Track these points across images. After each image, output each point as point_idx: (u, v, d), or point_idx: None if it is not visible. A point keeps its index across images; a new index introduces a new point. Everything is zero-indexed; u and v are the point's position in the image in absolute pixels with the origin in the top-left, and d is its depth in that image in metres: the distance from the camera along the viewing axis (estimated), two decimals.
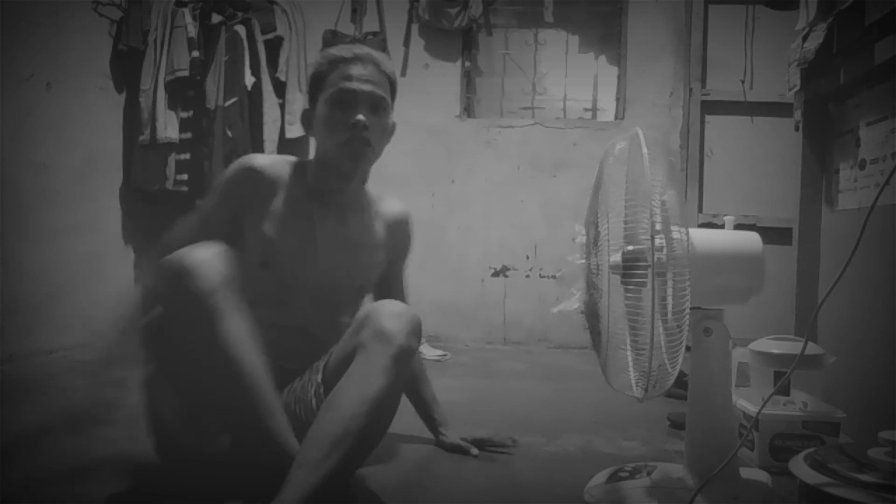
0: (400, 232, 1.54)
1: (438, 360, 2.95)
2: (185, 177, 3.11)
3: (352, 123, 1.35)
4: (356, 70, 1.38)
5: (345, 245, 1.44)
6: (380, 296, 1.52)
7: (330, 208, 1.45)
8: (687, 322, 1.05)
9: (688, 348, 1.09)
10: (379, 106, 1.39)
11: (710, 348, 1.23)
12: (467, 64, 3.56)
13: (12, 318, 2.56)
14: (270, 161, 1.44)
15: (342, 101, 1.37)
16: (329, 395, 1.17)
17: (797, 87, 2.07)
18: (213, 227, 1.39)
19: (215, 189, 1.46)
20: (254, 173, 1.40)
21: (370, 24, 3.49)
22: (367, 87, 1.37)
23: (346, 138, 1.36)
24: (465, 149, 3.50)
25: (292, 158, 1.50)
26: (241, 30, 3.19)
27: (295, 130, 3.34)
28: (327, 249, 1.43)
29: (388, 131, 1.44)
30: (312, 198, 1.44)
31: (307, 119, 1.47)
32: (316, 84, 1.42)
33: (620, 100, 3.51)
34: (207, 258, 1.17)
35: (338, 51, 1.42)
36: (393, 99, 1.45)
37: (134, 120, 3.18)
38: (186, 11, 3.13)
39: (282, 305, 1.41)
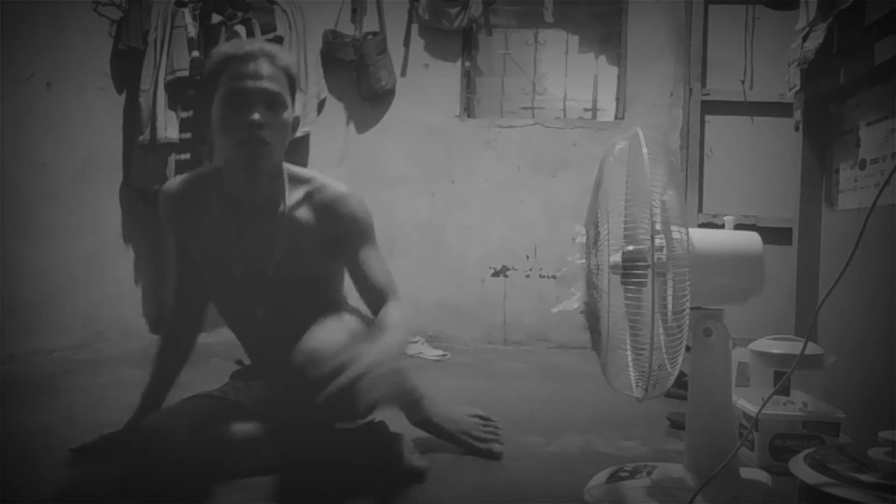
0: (333, 214, 1.45)
1: (438, 360, 2.95)
2: None
3: (247, 123, 1.33)
4: (249, 67, 1.35)
5: (266, 241, 1.44)
6: (356, 283, 1.49)
7: (244, 206, 1.45)
8: (687, 322, 1.05)
9: (688, 348, 1.09)
10: (275, 102, 1.37)
11: (710, 348, 1.23)
12: (467, 64, 3.56)
13: (12, 318, 2.56)
14: (180, 181, 1.53)
15: (236, 101, 1.34)
16: None
17: (797, 87, 2.07)
18: (177, 260, 1.56)
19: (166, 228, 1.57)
20: (166, 198, 1.53)
21: (370, 24, 3.49)
22: (260, 85, 1.35)
23: (243, 138, 1.35)
24: (465, 149, 3.50)
25: (206, 168, 1.57)
26: (241, 30, 3.19)
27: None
28: (252, 249, 1.45)
29: (288, 127, 1.41)
30: (227, 201, 1.46)
31: (207, 118, 1.44)
32: (210, 83, 1.39)
33: (620, 100, 3.51)
34: None
35: (229, 48, 1.40)
36: (293, 92, 1.42)
37: (134, 120, 3.18)
38: (186, 11, 3.13)
39: (241, 308, 1.51)
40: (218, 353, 2.93)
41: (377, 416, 1.38)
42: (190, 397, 1.47)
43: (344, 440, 1.40)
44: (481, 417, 1.62)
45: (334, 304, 1.50)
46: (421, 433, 1.59)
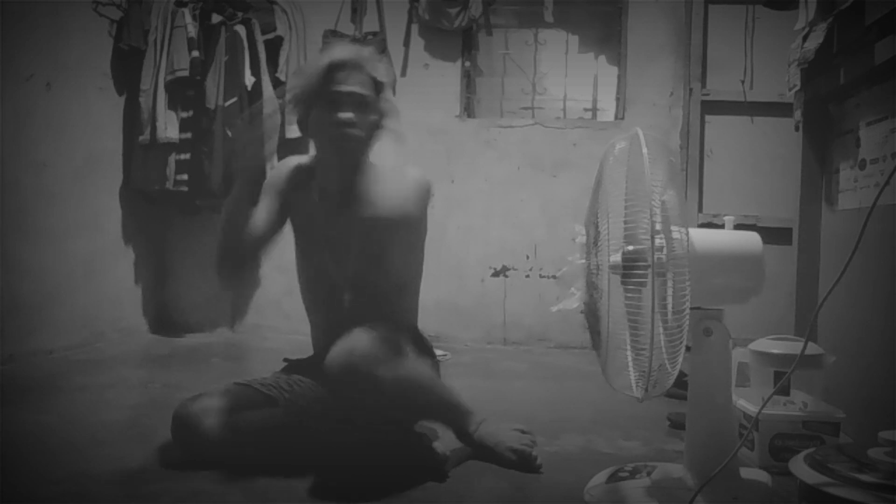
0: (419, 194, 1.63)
1: (439, 360, 2.95)
2: (185, 177, 3.11)
3: (339, 122, 1.51)
4: (341, 75, 1.52)
5: (350, 231, 1.58)
6: None
7: (334, 198, 1.60)
8: (687, 322, 1.05)
9: (688, 348, 1.09)
10: (363, 104, 1.53)
11: (710, 348, 1.23)
12: (467, 64, 3.56)
13: (12, 318, 2.56)
14: (296, 162, 1.70)
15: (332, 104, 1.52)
16: None
17: (797, 87, 2.07)
18: (263, 219, 1.61)
19: (265, 186, 1.67)
20: (291, 172, 1.67)
21: (370, 24, 3.48)
22: (353, 89, 1.52)
23: (337, 134, 1.52)
24: (465, 149, 3.50)
25: (309, 158, 1.70)
26: (241, 30, 3.18)
27: (294, 130, 3.33)
28: (339, 237, 1.60)
29: (373, 126, 1.58)
30: (321, 193, 1.62)
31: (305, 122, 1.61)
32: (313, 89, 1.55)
33: (620, 100, 3.51)
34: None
35: (330, 56, 1.55)
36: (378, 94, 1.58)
37: (134, 120, 3.18)
38: (186, 11, 3.13)
39: (323, 289, 1.66)
40: (218, 353, 2.93)
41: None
42: (228, 386, 1.55)
43: (365, 436, 1.47)
44: (521, 431, 1.59)
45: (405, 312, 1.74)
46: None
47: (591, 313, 1.25)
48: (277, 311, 3.46)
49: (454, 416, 1.59)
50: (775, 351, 1.59)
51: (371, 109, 1.56)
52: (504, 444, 1.52)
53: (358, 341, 1.41)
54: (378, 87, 1.58)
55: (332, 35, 3.41)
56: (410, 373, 1.48)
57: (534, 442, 1.56)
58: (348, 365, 1.38)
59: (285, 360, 1.74)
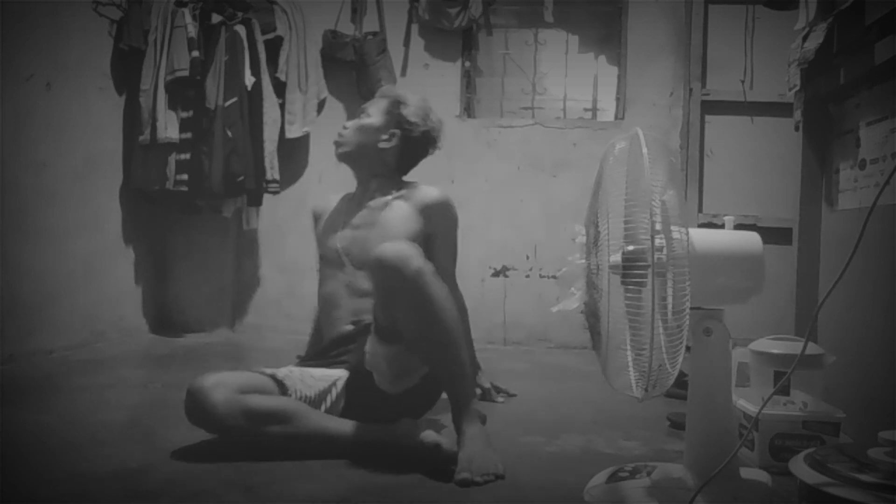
0: (434, 213, 1.85)
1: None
2: (185, 177, 3.11)
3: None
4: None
5: (366, 226, 1.80)
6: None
7: (354, 203, 1.90)
8: (687, 322, 1.05)
9: (688, 348, 1.09)
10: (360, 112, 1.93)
11: (710, 348, 1.23)
12: (467, 64, 3.56)
13: (12, 318, 2.56)
14: (323, 198, 2.05)
15: None
16: None
17: (797, 87, 2.07)
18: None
19: None
20: (314, 213, 2.01)
21: (370, 24, 3.49)
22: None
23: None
24: (465, 149, 3.50)
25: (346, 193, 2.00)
26: (241, 30, 3.19)
27: (294, 130, 3.34)
28: (355, 233, 1.80)
29: (367, 131, 1.93)
30: (346, 203, 1.92)
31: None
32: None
33: (620, 100, 3.51)
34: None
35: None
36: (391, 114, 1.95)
37: (134, 120, 3.18)
38: (186, 11, 3.13)
39: (343, 281, 1.80)
40: (218, 353, 2.94)
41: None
42: (245, 371, 1.61)
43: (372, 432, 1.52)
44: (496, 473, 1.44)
45: None
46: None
47: (591, 313, 1.25)
48: (277, 311, 3.46)
49: (467, 378, 1.54)
50: (775, 351, 1.59)
51: (367, 118, 1.91)
52: (479, 470, 1.40)
53: (403, 245, 1.52)
54: (393, 107, 1.92)
55: (332, 35, 3.41)
56: (449, 297, 1.53)
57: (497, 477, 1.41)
58: (400, 258, 1.46)
59: (298, 356, 1.81)
